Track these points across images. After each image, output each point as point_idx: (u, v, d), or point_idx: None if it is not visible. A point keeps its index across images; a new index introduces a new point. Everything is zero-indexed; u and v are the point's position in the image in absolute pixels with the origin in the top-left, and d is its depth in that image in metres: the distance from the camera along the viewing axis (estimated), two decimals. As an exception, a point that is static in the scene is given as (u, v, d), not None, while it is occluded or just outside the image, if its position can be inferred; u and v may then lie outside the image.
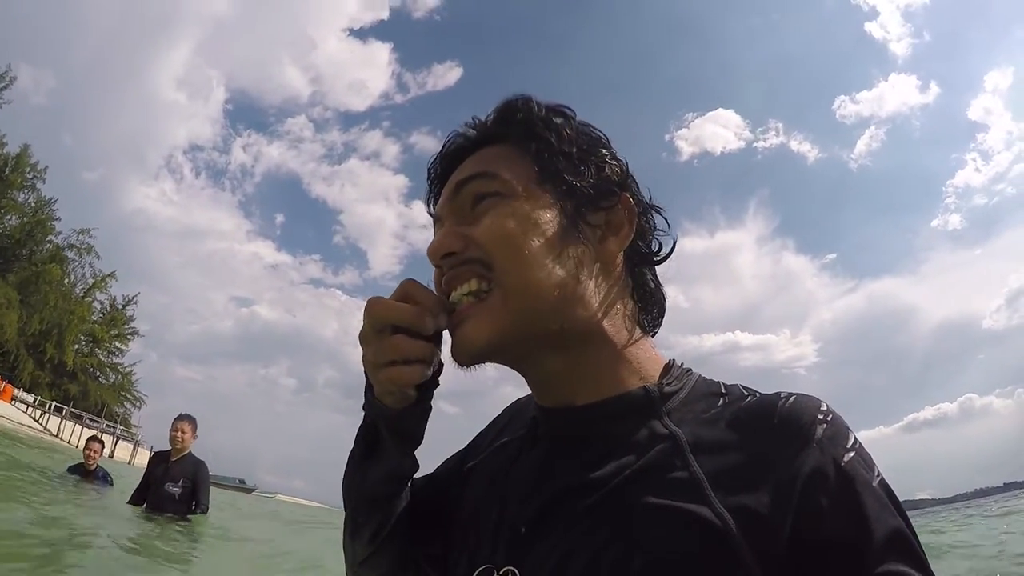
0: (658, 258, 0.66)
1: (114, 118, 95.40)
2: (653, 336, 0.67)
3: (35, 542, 3.59)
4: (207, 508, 5.46)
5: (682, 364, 0.64)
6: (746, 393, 0.58)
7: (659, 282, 0.67)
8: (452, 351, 0.60)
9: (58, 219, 46.58)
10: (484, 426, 0.81)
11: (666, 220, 0.67)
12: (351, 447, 0.68)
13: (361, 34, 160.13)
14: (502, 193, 0.60)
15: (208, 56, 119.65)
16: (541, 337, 0.59)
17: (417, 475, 0.70)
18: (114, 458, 32.90)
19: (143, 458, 36.26)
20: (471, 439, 0.79)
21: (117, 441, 37.83)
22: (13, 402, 34.22)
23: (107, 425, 40.66)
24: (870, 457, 0.50)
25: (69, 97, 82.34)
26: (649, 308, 0.66)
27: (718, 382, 0.62)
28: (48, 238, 46.24)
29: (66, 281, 46.60)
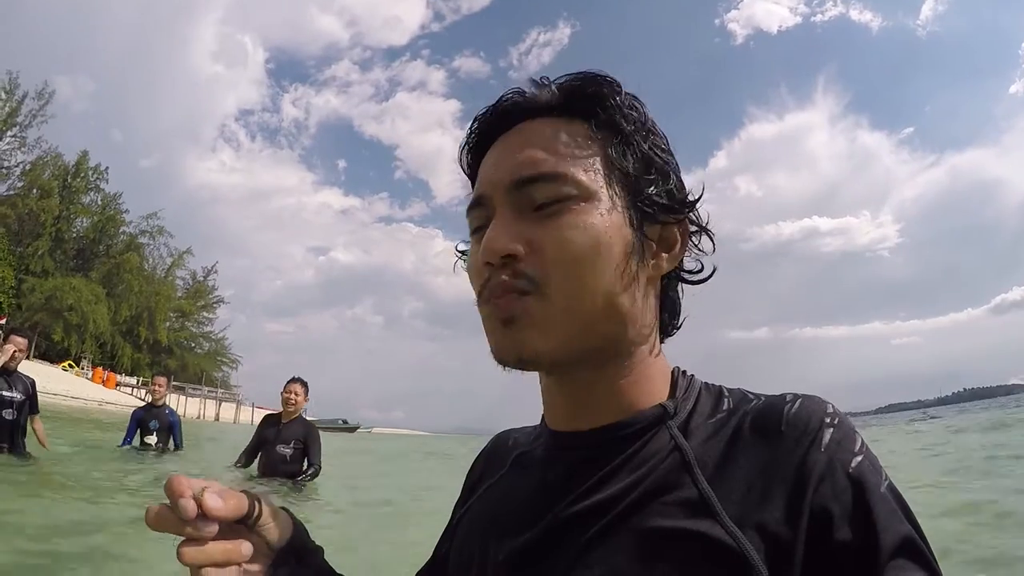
0: (696, 279, 0.62)
1: (158, 104, 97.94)
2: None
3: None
4: (319, 468, 5.55)
5: (685, 371, 0.62)
6: (751, 397, 0.56)
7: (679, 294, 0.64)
8: (495, 350, 0.55)
9: (126, 211, 49.34)
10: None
11: (713, 243, 0.62)
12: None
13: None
14: (575, 196, 0.53)
15: (237, 24, 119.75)
16: (585, 353, 0.55)
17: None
18: (220, 420, 35.97)
19: (246, 415, 39.15)
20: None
21: (220, 404, 41.16)
22: (118, 388, 36.46)
23: (208, 391, 44.22)
24: (877, 460, 0.50)
25: (110, 95, 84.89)
26: (673, 323, 0.63)
27: (719, 386, 0.60)
28: (121, 230, 49.09)
29: (145, 265, 49.68)
